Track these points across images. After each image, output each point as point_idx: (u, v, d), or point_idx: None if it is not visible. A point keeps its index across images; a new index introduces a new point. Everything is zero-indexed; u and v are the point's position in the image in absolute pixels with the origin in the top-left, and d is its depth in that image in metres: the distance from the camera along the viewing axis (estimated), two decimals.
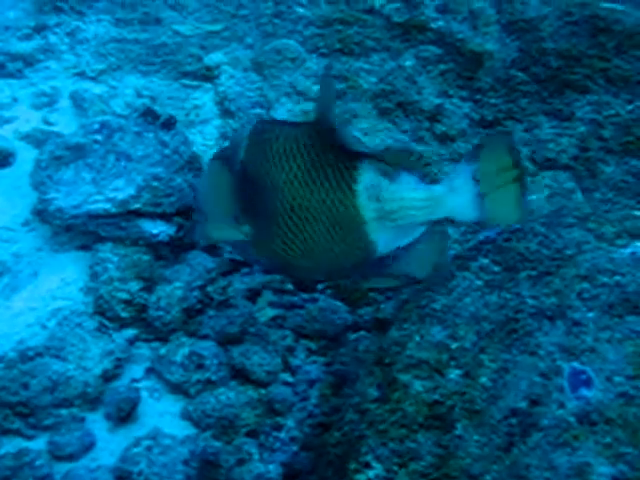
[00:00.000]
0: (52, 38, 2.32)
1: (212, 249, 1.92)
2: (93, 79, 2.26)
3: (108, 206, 1.73)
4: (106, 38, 2.33)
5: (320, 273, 1.48)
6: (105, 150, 1.80)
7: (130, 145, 1.80)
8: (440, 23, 2.51)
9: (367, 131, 2.30)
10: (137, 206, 1.75)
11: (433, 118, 2.33)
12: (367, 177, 1.38)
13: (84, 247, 1.78)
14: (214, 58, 2.40)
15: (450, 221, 1.40)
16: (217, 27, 2.52)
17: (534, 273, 1.45)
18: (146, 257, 1.75)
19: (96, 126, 1.84)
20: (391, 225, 1.39)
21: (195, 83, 2.36)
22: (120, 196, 1.73)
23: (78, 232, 1.81)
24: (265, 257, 1.48)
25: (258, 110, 2.28)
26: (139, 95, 2.25)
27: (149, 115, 1.89)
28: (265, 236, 1.44)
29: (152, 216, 1.78)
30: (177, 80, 2.35)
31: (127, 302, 1.66)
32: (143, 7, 2.47)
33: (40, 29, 2.32)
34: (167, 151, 1.83)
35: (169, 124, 1.90)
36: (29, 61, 2.27)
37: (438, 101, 2.36)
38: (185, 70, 2.37)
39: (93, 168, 1.78)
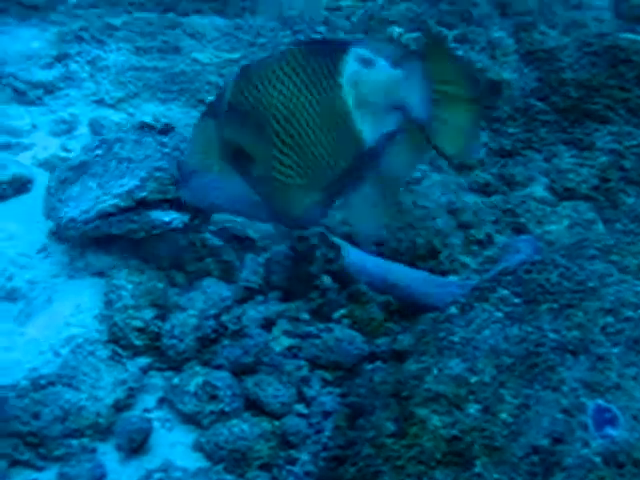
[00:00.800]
0: (73, 66, 2.35)
1: (228, 276, 1.91)
2: (112, 106, 2.27)
3: (116, 201, 1.73)
4: (126, 66, 2.35)
5: (318, 189, 1.51)
6: (107, 159, 1.82)
7: (130, 151, 1.82)
8: (459, 52, 2.52)
9: None
10: (143, 194, 1.74)
11: None
12: (350, 67, 1.47)
13: (100, 273, 1.78)
14: None
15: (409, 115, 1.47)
16: (235, 55, 2.54)
17: (555, 306, 1.42)
18: (160, 284, 1.73)
19: (96, 143, 1.89)
20: (368, 112, 1.48)
21: None
22: (125, 189, 1.74)
23: (93, 245, 1.82)
24: (262, 193, 1.51)
25: None
26: (156, 122, 2.26)
27: (145, 127, 1.91)
28: (260, 165, 1.49)
29: (161, 205, 1.77)
30: (195, 107, 2.36)
31: (141, 330, 1.65)
32: (163, 35, 2.50)
33: (62, 58, 2.36)
34: (167, 149, 1.84)
35: (166, 130, 1.90)
36: (49, 89, 2.29)
37: None
38: (203, 98, 2.38)
39: (97, 175, 1.80)
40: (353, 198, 1.56)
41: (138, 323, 1.64)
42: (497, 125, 2.39)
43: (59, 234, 1.83)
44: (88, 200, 1.76)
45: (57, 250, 1.85)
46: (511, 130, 2.39)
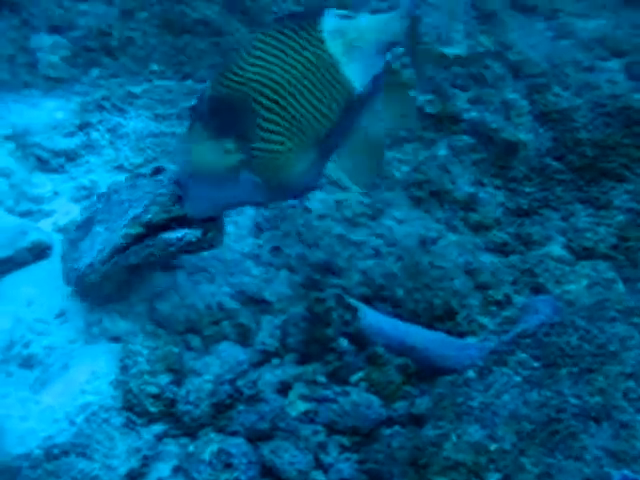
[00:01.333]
0: (94, 134, 2.41)
1: (244, 339, 1.90)
2: (130, 172, 2.31)
3: (124, 231, 1.76)
4: (145, 133, 2.40)
5: (311, 147, 1.51)
6: (108, 207, 1.88)
7: (129, 194, 1.86)
8: (473, 114, 2.55)
9: (401, 220, 2.29)
10: (148, 217, 1.76)
11: (467, 207, 2.32)
12: (330, 22, 1.50)
13: (116, 339, 1.78)
14: None
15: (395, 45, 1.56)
16: None
17: (576, 370, 1.40)
18: (176, 349, 1.73)
19: (94, 199, 1.97)
20: (357, 56, 1.50)
21: None
22: (131, 216, 1.79)
23: (114, 294, 1.86)
24: (259, 170, 1.50)
25: (291, 200, 2.30)
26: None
27: (138, 175, 1.97)
28: (250, 143, 1.48)
29: (170, 226, 1.79)
30: None
31: (156, 396, 1.63)
32: (181, 102, 2.56)
33: (84, 126, 2.42)
34: (164, 183, 1.86)
35: (158, 171, 1.93)
36: (71, 157, 2.35)
37: (472, 190, 2.36)
38: None
39: (102, 222, 1.84)
40: (344, 149, 1.60)
41: (153, 389, 1.63)
42: (513, 185, 2.40)
43: (80, 287, 1.85)
44: (100, 243, 1.80)
45: (75, 315, 1.86)
46: (527, 189, 2.39)
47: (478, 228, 2.29)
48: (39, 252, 2.00)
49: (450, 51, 2.75)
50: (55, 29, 2.74)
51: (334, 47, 1.49)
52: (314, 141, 1.52)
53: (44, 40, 2.69)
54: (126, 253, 1.78)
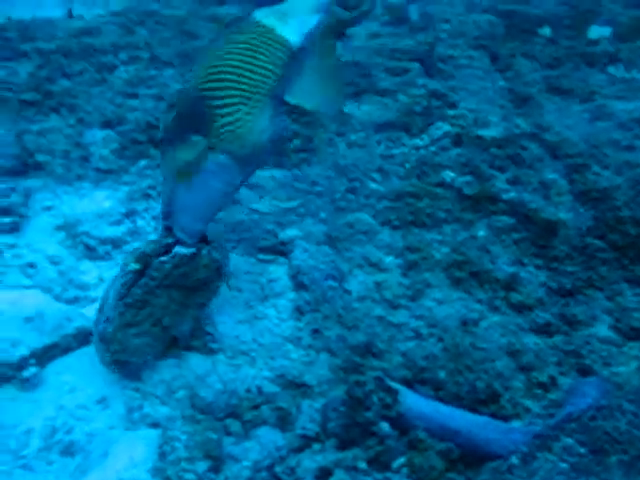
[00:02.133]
0: (140, 222, 2.49)
1: (284, 423, 1.89)
2: None
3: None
4: None
5: (265, 101, 1.81)
6: None
7: None
8: (512, 194, 2.55)
9: (441, 301, 2.27)
10: (140, 250, 1.97)
11: (508, 287, 2.30)
12: (262, 11, 1.89)
13: (155, 425, 1.78)
14: (289, 233, 2.49)
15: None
16: (292, 204, 2.64)
17: (626, 458, 1.34)
18: (215, 435, 1.72)
19: None
20: (289, 21, 1.86)
21: (270, 257, 2.43)
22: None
23: None
24: (228, 144, 1.78)
25: (330, 282, 2.31)
26: None
27: None
28: (215, 125, 1.77)
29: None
30: (253, 255, 2.43)
31: None
32: None
33: (130, 215, 2.51)
34: None
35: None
36: (117, 244, 2.42)
37: (512, 270, 2.35)
38: (261, 245, 2.46)
39: None
40: (301, 82, 1.89)
41: (191, 476, 1.62)
42: (555, 264, 2.37)
43: (103, 349, 1.94)
44: (111, 298, 1.96)
45: (116, 400, 1.88)
46: (570, 269, 2.36)
47: (520, 308, 2.25)
48: (83, 338, 2.05)
49: (487, 133, 2.79)
50: (107, 124, 2.89)
51: (267, 21, 1.86)
52: (265, 95, 1.83)
53: (96, 135, 2.84)
54: (131, 291, 1.90)
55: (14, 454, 1.73)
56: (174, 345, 2.03)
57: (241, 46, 1.81)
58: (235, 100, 1.79)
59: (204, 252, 2.00)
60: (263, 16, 1.89)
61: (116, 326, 1.91)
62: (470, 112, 2.92)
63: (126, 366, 1.94)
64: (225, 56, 1.82)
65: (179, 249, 1.94)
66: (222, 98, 1.80)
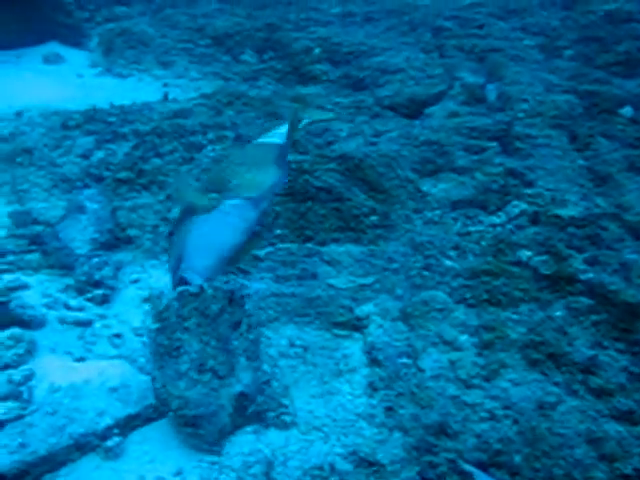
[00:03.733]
0: None
1: None
2: None
3: None
4: (267, 293, 2.55)
5: None
6: None
7: None
8: (590, 275, 2.52)
9: (517, 382, 2.24)
10: None
11: (587, 370, 2.24)
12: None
13: None
14: (364, 309, 2.53)
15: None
16: (369, 280, 2.69)
17: None
18: None
19: None
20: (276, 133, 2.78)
21: (345, 333, 2.47)
22: None
23: None
24: None
25: (404, 359, 2.32)
26: (292, 345, 2.40)
27: None
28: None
29: None
30: (329, 330, 2.48)
31: None
32: (302, 264, 2.71)
33: None
34: None
35: None
36: None
37: (592, 353, 2.29)
38: (337, 320, 2.50)
39: None
40: None
41: None
42: (637, 348, 2.30)
43: None
44: None
45: (192, 473, 1.93)
46: None
47: (600, 393, 2.19)
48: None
49: (565, 212, 2.77)
50: None
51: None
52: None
53: None
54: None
55: None
56: (245, 411, 2.07)
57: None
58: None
59: (205, 285, 2.09)
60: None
61: (163, 383, 1.98)
62: (547, 191, 2.91)
63: (201, 428, 1.98)
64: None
65: (182, 288, 2.06)
66: None
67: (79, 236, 2.81)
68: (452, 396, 2.22)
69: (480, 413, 2.16)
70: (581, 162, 3.11)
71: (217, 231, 2.19)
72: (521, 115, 3.42)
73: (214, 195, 2.28)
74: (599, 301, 2.42)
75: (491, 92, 3.68)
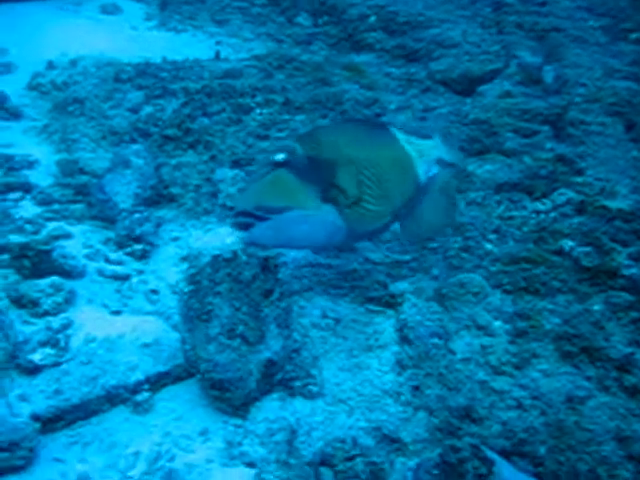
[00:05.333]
0: None
1: (376, 479, 1.90)
2: None
3: None
4: (303, 262, 2.56)
5: (389, 213, 2.24)
6: None
7: None
8: (633, 270, 2.46)
9: (548, 373, 2.22)
10: None
11: (622, 368, 2.21)
12: (400, 135, 2.30)
13: (251, 464, 1.85)
14: (399, 286, 2.52)
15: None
16: (406, 257, 2.67)
17: None
18: None
19: None
20: (424, 160, 2.31)
21: (378, 308, 2.47)
22: None
23: None
24: (347, 217, 2.14)
25: (436, 340, 2.32)
26: (324, 316, 2.41)
27: None
28: (350, 198, 2.14)
29: None
30: (362, 304, 2.48)
31: None
32: None
33: None
34: None
35: None
36: None
37: (628, 350, 2.25)
38: (371, 295, 2.50)
39: None
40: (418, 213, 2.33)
41: None
42: None
43: None
44: None
45: (217, 434, 1.97)
46: None
47: (634, 392, 2.15)
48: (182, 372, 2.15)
49: (613, 204, 2.71)
50: (236, 163, 3.05)
51: (411, 151, 2.29)
52: (392, 209, 2.25)
53: (226, 173, 2.99)
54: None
55: (122, 474, 1.85)
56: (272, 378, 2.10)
57: (386, 162, 2.22)
58: (373, 195, 2.18)
59: (239, 252, 2.11)
60: (405, 141, 2.29)
61: (192, 345, 2.01)
62: (597, 181, 2.84)
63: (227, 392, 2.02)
64: (374, 161, 2.20)
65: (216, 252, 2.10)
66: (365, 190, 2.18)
67: (123, 190, 2.85)
68: (481, 381, 2.21)
69: (507, 401, 2.15)
70: (635, 153, 3.03)
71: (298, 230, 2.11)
72: (577, 100, 3.33)
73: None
74: None
75: (548, 74, 3.59)
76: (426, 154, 2.33)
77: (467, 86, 3.71)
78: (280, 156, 2.05)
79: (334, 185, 2.12)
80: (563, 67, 3.63)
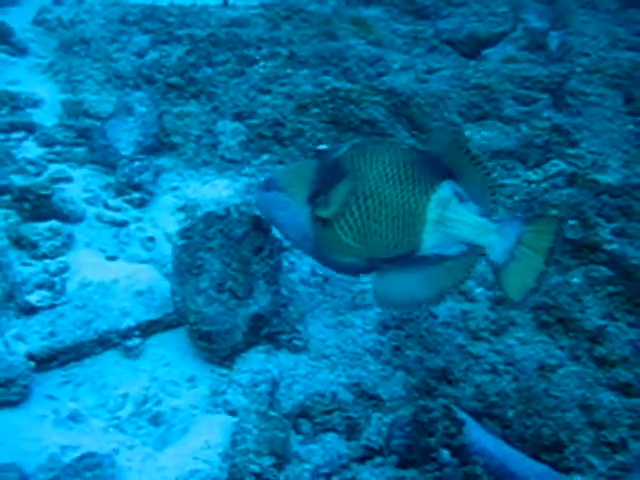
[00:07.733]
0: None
1: (351, 432, 2.00)
2: None
3: None
4: None
5: (366, 260, 1.88)
6: None
7: None
8: (614, 246, 2.53)
9: (523, 341, 2.31)
10: None
11: (594, 339, 2.30)
12: (443, 191, 1.82)
13: (233, 412, 1.95)
14: None
15: (482, 253, 1.80)
16: None
17: None
18: (282, 434, 1.85)
19: None
20: (443, 230, 1.81)
21: None
22: None
23: None
24: (319, 235, 1.90)
25: None
26: (313, 274, 2.48)
27: None
28: (334, 216, 1.88)
29: None
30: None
31: (257, 475, 1.76)
32: None
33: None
34: None
35: None
36: None
37: (602, 322, 2.34)
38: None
39: None
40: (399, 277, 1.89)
41: (255, 468, 1.77)
42: None
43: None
44: None
45: (203, 382, 2.06)
46: None
47: (602, 363, 2.25)
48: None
49: (602, 178, 2.75)
50: (238, 116, 3.08)
51: (432, 211, 1.83)
52: (372, 258, 1.90)
53: (227, 125, 3.03)
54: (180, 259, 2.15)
55: (111, 414, 1.96)
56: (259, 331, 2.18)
57: (400, 203, 1.83)
58: (360, 230, 1.88)
59: (232, 209, 2.16)
60: (437, 201, 1.83)
61: (182, 297, 2.09)
62: (590, 153, 2.88)
63: (215, 344, 2.10)
64: (386, 188, 1.86)
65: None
66: (358, 217, 1.89)
67: (124, 137, 2.88)
68: (459, 345, 2.30)
69: (483, 365, 2.24)
70: (631, 127, 3.05)
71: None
72: (579, 70, 3.33)
73: None
74: (618, 273, 2.44)
75: (553, 40, 3.58)
76: (449, 226, 1.82)
77: (473, 47, 3.70)
78: (322, 147, 2.02)
79: (326, 191, 1.91)
80: (568, 34, 3.62)
